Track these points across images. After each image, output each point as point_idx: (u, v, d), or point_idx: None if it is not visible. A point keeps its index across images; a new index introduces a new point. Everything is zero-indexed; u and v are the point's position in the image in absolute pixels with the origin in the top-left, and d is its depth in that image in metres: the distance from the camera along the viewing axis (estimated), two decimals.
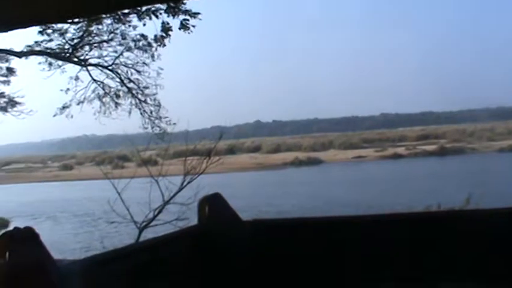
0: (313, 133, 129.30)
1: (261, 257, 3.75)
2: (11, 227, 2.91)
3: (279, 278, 3.44)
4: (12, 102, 19.09)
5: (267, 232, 3.94)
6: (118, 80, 19.48)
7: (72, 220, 40.09)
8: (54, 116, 19.70)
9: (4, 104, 19.15)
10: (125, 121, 19.89)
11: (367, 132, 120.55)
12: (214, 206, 3.97)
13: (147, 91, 19.56)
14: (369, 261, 3.61)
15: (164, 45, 18.08)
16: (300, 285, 2.37)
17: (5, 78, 19.02)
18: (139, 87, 19.51)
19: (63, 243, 26.27)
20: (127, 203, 16.01)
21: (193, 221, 4.27)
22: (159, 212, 16.10)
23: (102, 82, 19.55)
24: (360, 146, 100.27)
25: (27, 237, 2.76)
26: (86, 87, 19.35)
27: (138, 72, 19.26)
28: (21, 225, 2.84)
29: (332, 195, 40.52)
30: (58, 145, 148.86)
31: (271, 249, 3.79)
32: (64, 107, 19.51)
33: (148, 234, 14.96)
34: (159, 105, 19.83)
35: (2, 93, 19.13)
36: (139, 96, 19.60)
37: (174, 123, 19.88)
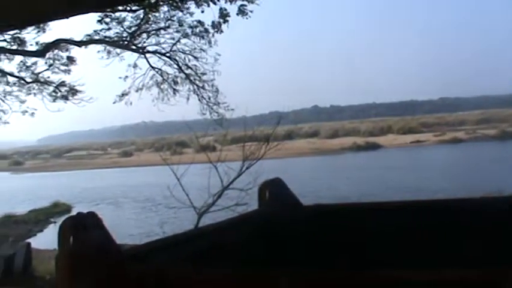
0: (371, 118, 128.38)
1: (323, 242, 3.70)
2: (74, 212, 2.94)
3: (341, 263, 3.39)
4: (73, 91, 19.40)
5: (329, 217, 3.88)
6: (176, 66, 19.61)
7: (133, 205, 40.58)
8: (114, 103, 19.99)
9: (65, 93, 19.45)
10: (183, 107, 20.03)
11: (426, 116, 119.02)
12: (274, 191, 3.91)
13: (204, 77, 19.64)
14: (433, 248, 3.52)
15: (222, 31, 18.09)
16: (362, 271, 2.32)
17: (65, 67, 19.32)
18: (197, 74, 19.60)
19: (125, 228, 26.63)
20: (186, 188, 16.11)
21: (253, 206, 4.24)
22: (218, 198, 16.16)
23: (160, 69, 19.71)
24: (418, 131, 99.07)
25: (91, 222, 2.78)
26: (144, 74, 19.54)
27: (196, 58, 19.34)
28: (84, 211, 2.86)
29: (392, 180, 40.02)
30: (118, 132, 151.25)
31: (333, 234, 3.73)
32: (123, 94, 19.77)
33: (207, 219, 15.05)
34: (217, 91, 19.90)
35: (63, 82, 19.47)
36: (197, 82, 19.70)
37: (232, 109, 19.95)
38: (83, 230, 2.72)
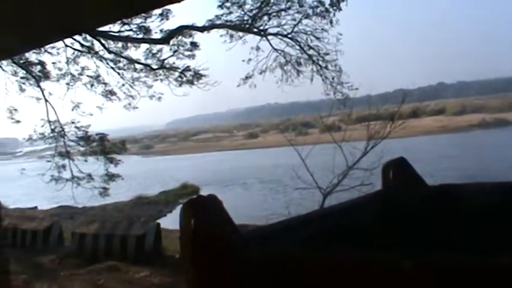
0: (500, 93, 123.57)
1: (449, 224, 3.55)
2: (202, 193, 3.00)
3: (467, 244, 3.24)
4: (197, 75, 19.69)
5: (455, 198, 3.71)
6: (298, 47, 19.56)
7: (260, 187, 40.98)
8: (238, 86, 20.20)
9: (190, 77, 19.80)
10: (307, 88, 19.98)
11: None
12: (398, 171, 3.80)
13: (327, 57, 19.47)
14: None
15: (340, 9, 17.89)
16: (489, 253, 2.20)
17: (189, 53, 19.65)
18: (319, 54, 19.47)
19: (252, 209, 27.02)
20: (311, 169, 16.14)
21: (378, 186, 4.14)
22: (343, 178, 16.10)
23: (282, 51, 19.72)
24: None
25: (210, 204, 2.79)
26: (266, 56, 19.61)
27: (318, 38, 19.21)
28: (212, 192, 2.89)
29: None
30: (242, 114, 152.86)
31: (459, 215, 3.57)
32: (247, 77, 19.90)
33: (333, 200, 15.00)
34: (340, 71, 19.69)
35: (188, 67, 19.80)
36: (320, 62, 19.56)
37: (356, 88, 19.70)
38: (203, 212, 2.75)
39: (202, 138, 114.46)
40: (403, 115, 20.13)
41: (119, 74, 20.08)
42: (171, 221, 21.94)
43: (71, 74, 20.00)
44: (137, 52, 20.04)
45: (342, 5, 17.77)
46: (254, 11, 18.77)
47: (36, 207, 33.10)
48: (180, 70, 19.81)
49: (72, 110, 19.75)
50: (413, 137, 59.60)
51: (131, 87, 20.33)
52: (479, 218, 3.49)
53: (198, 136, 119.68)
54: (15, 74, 19.63)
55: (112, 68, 19.97)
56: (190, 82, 19.83)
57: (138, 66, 20.06)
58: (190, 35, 19.49)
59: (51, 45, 17.97)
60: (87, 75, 20.21)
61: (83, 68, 20.11)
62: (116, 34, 18.76)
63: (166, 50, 19.70)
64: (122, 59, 20.00)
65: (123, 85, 20.29)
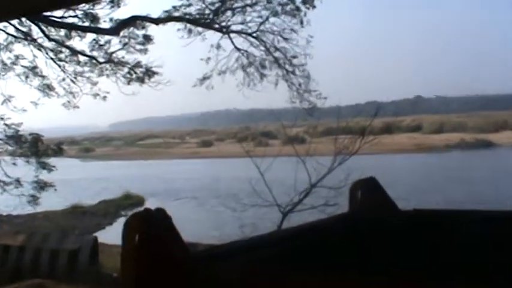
0: (481, 111, 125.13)
1: (421, 253, 3.58)
2: (147, 205, 2.98)
3: (438, 275, 3.28)
4: (149, 73, 19.51)
5: (429, 225, 3.75)
6: (263, 48, 19.56)
7: (212, 202, 40.76)
8: (194, 86, 20.08)
9: (141, 74, 19.60)
10: (271, 94, 20.00)
11: None
12: (368, 192, 3.82)
13: (295, 61, 19.51)
14: None
15: (314, 7, 17.94)
16: (462, 283, 2.24)
17: (141, 47, 19.41)
18: (286, 57, 19.49)
19: (201, 227, 26.97)
20: (270, 184, 16.12)
21: (343, 207, 4.16)
22: (305, 196, 16.12)
23: (245, 51, 19.71)
24: None
25: (158, 219, 2.77)
26: (228, 56, 19.56)
27: (286, 39, 19.23)
28: (159, 205, 2.87)
29: (509, 184, 38.68)
30: (198, 119, 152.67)
31: (433, 244, 3.61)
32: (204, 78, 19.82)
33: (292, 220, 15.02)
34: (308, 77, 19.73)
35: (139, 62, 19.59)
36: (287, 66, 19.60)
37: (325, 98, 19.78)
38: (150, 228, 2.72)
39: (151, 144, 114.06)
40: (375, 130, 20.31)
41: (59, 66, 19.76)
42: (110, 235, 21.79)
43: (2, 62, 19.67)
44: (82, 43, 19.79)
45: (317, 2, 17.80)
46: (216, 5, 18.75)
47: None
48: (129, 66, 19.65)
49: (2, 103, 19.39)
50: (386, 155, 60.08)
51: (73, 82, 20.03)
52: (451, 245, 3.53)
53: (146, 141, 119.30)
54: None
55: (52, 58, 19.64)
56: (141, 80, 19.67)
57: (82, 58, 19.80)
58: (144, 27, 19.35)
59: None
60: (22, 65, 19.82)
61: (17, 57, 19.74)
62: (59, 20, 18.48)
63: (115, 42, 19.50)
64: (63, 49, 19.71)
65: (64, 79, 19.98)
